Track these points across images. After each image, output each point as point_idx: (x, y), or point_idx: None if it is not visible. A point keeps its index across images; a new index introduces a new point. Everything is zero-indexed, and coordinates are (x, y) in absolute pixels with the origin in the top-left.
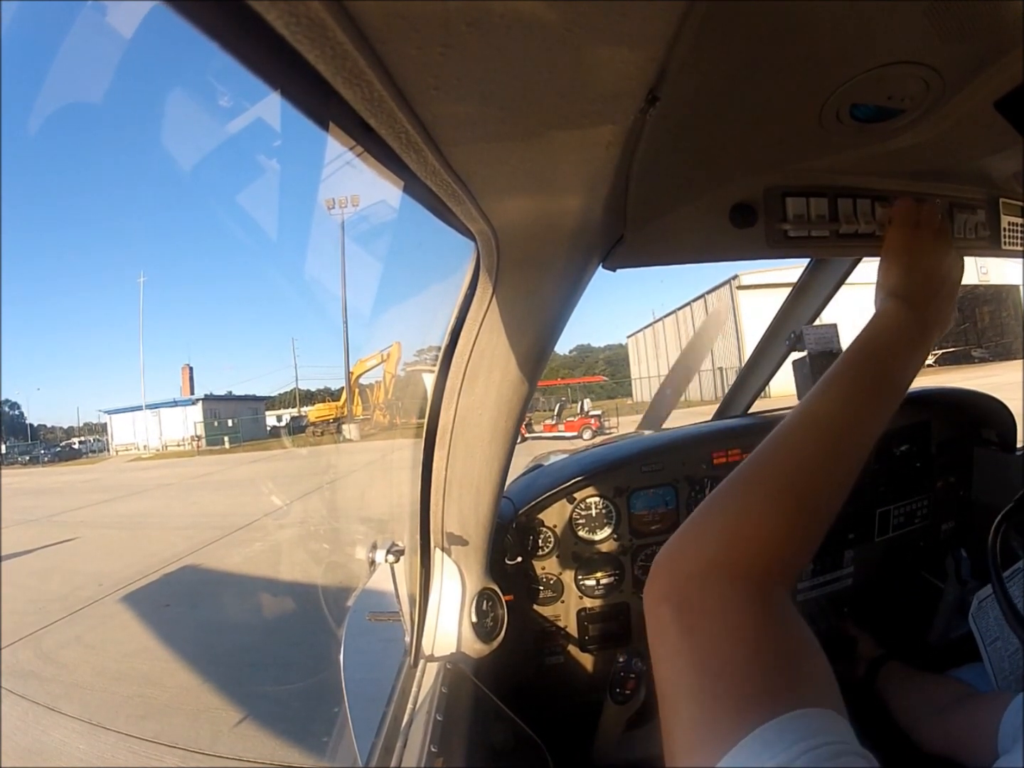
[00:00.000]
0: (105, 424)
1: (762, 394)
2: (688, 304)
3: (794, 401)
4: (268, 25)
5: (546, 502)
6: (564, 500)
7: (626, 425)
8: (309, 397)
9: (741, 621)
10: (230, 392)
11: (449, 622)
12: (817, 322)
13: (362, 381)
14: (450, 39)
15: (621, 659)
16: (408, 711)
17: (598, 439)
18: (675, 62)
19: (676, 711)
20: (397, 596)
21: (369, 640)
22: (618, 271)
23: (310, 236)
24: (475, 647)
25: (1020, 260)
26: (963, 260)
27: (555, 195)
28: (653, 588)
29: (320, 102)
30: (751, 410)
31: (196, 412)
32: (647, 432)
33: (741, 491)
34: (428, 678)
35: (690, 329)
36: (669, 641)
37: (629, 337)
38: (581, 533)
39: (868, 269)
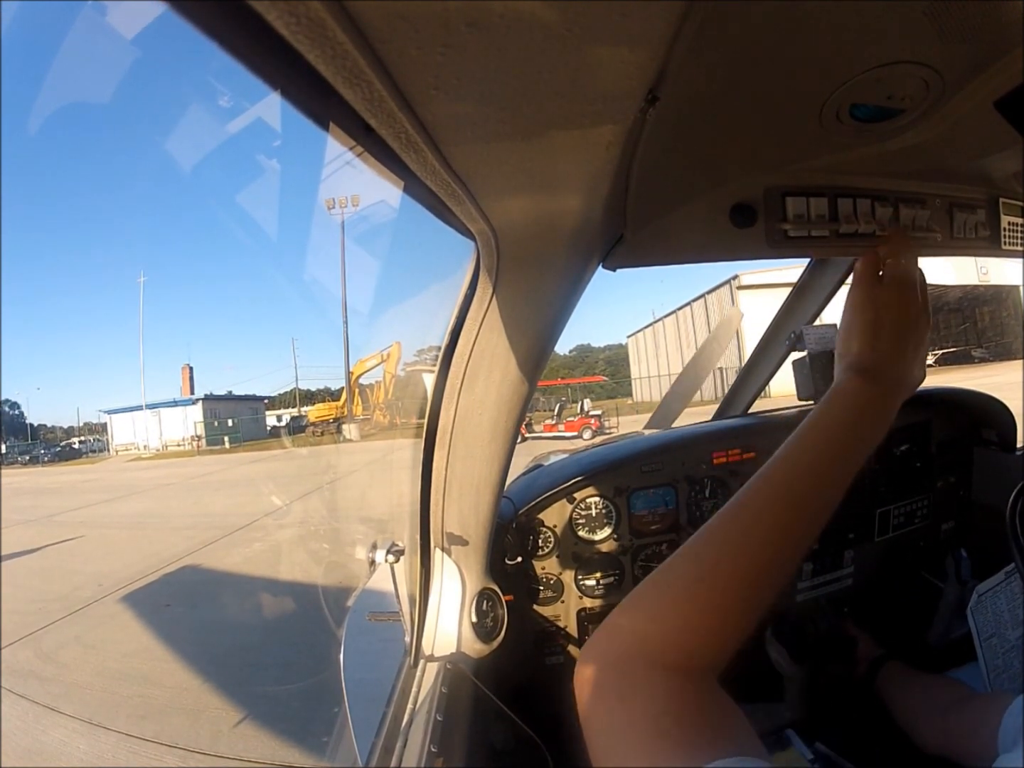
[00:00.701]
0: (105, 424)
1: (762, 394)
2: (688, 304)
3: (794, 401)
4: (268, 25)
5: (546, 502)
6: (564, 500)
7: (626, 425)
8: (309, 397)
9: (658, 706)
10: (230, 392)
11: (449, 622)
12: (817, 322)
13: (362, 381)
14: (450, 39)
15: None
16: (408, 711)
17: (598, 439)
18: (675, 62)
19: None
20: (397, 596)
21: (369, 640)
22: (618, 271)
23: (310, 236)
24: (475, 647)
25: (1020, 260)
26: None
27: (555, 195)
28: (579, 671)
29: (320, 102)
30: (751, 410)
31: (196, 412)
32: (647, 432)
33: (661, 585)
34: (428, 678)
35: (690, 329)
36: (593, 720)
37: (629, 337)
38: (581, 533)
39: None
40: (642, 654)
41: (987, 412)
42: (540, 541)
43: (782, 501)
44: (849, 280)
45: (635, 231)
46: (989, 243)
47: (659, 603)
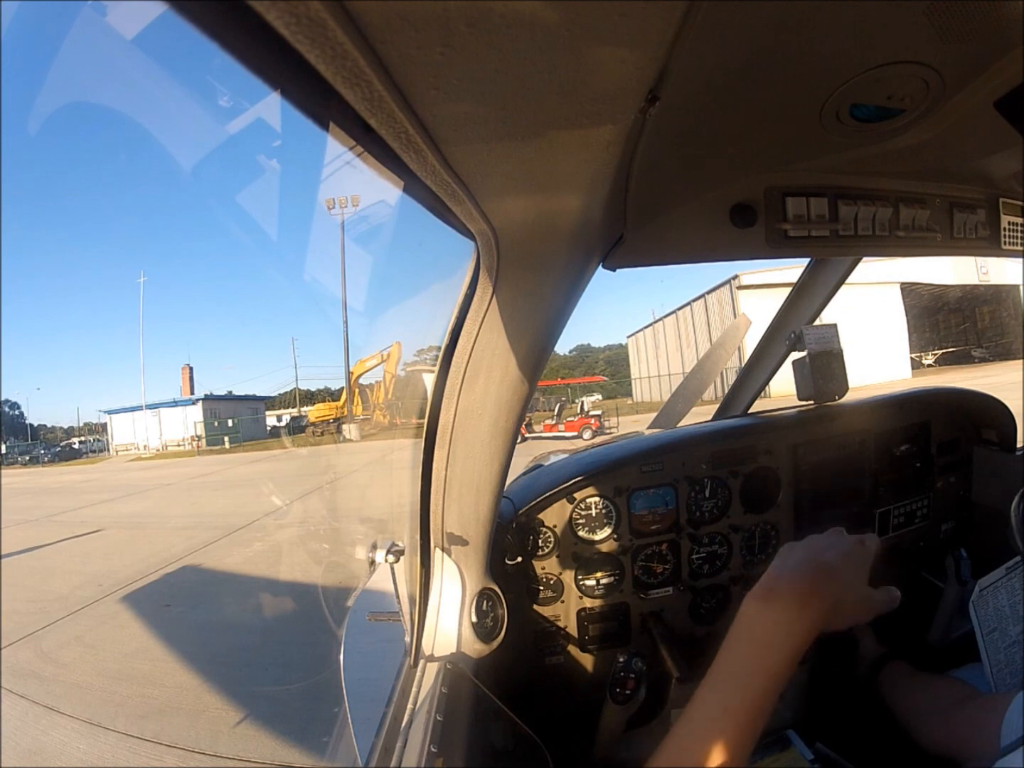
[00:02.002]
0: (105, 424)
1: (762, 394)
2: (688, 304)
3: (794, 401)
4: (268, 25)
5: (546, 502)
6: (564, 500)
7: (626, 425)
8: (309, 397)
9: None
10: (230, 392)
11: (449, 622)
12: (817, 322)
13: (362, 381)
14: (450, 39)
15: (621, 659)
16: (408, 711)
17: (598, 439)
18: (675, 62)
19: None
20: (397, 596)
21: (369, 640)
22: (618, 271)
23: (310, 236)
24: (475, 647)
25: (1020, 260)
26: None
27: (555, 195)
28: None
29: (320, 102)
30: (751, 410)
31: (196, 412)
32: (648, 432)
33: None
34: (428, 678)
35: (690, 329)
36: None
37: (629, 337)
38: (581, 533)
39: (868, 269)
40: None
41: (987, 412)
42: (540, 541)
43: (709, 727)
44: (849, 280)
45: (635, 231)
46: (989, 243)
47: None
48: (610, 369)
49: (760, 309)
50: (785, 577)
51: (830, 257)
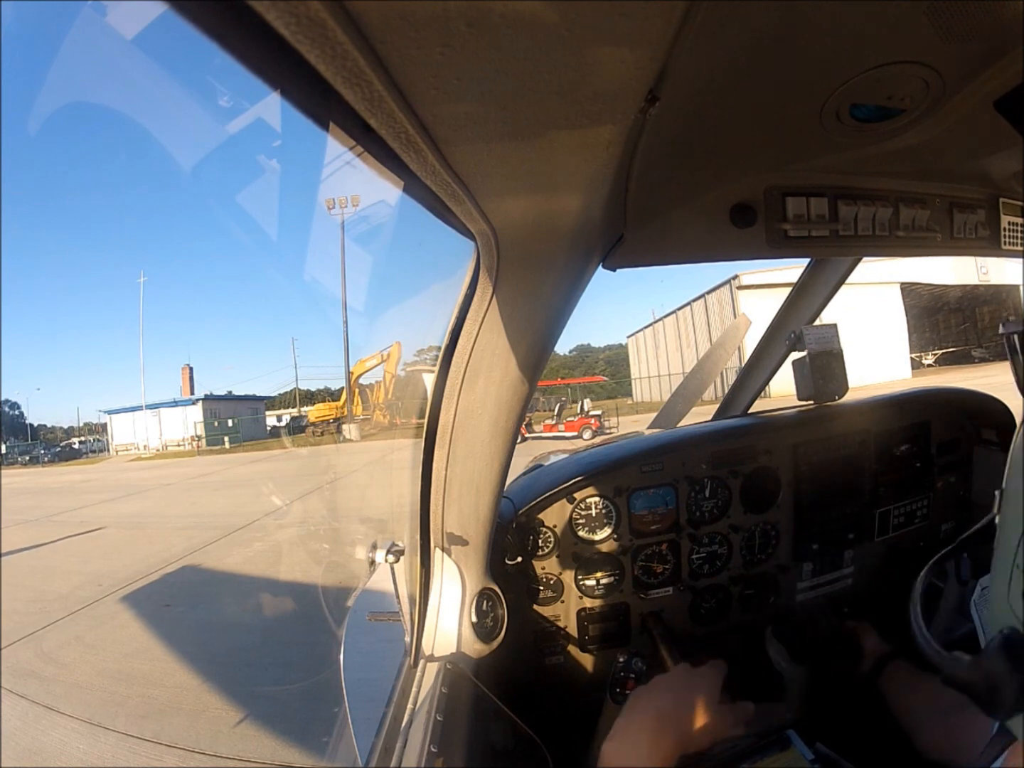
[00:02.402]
0: (105, 424)
1: (762, 394)
2: (688, 304)
3: (794, 401)
4: (268, 25)
5: (546, 502)
6: (564, 500)
7: (626, 425)
8: (309, 397)
9: None
10: (230, 392)
11: (449, 622)
12: (817, 322)
13: (362, 381)
14: (450, 39)
15: (621, 659)
16: (408, 711)
17: (598, 439)
18: (675, 62)
19: None
20: (397, 596)
21: (369, 640)
22: (618, 271)
23: (310, 236)
24: (475, 647)
25: (1020, 260)
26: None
27: (555, 195)
28: None
29: (320, 102)
30: (751, 410)
31: (196, 412)
32: (648, 432)
33: None
34: (428, 678)
35: (690, 329)
36: None
37: (629, 337)
38: (581, 533)
39: (868, 269)
40: None
41: (987, 412)
42: (540, 541)
43: None
44: (849, 280)
45: (635, 231)
46: (989, 243)
47: None
48: (610, 369)
49: (760, 309)
50: (635, 719)
51: (830, 257)
